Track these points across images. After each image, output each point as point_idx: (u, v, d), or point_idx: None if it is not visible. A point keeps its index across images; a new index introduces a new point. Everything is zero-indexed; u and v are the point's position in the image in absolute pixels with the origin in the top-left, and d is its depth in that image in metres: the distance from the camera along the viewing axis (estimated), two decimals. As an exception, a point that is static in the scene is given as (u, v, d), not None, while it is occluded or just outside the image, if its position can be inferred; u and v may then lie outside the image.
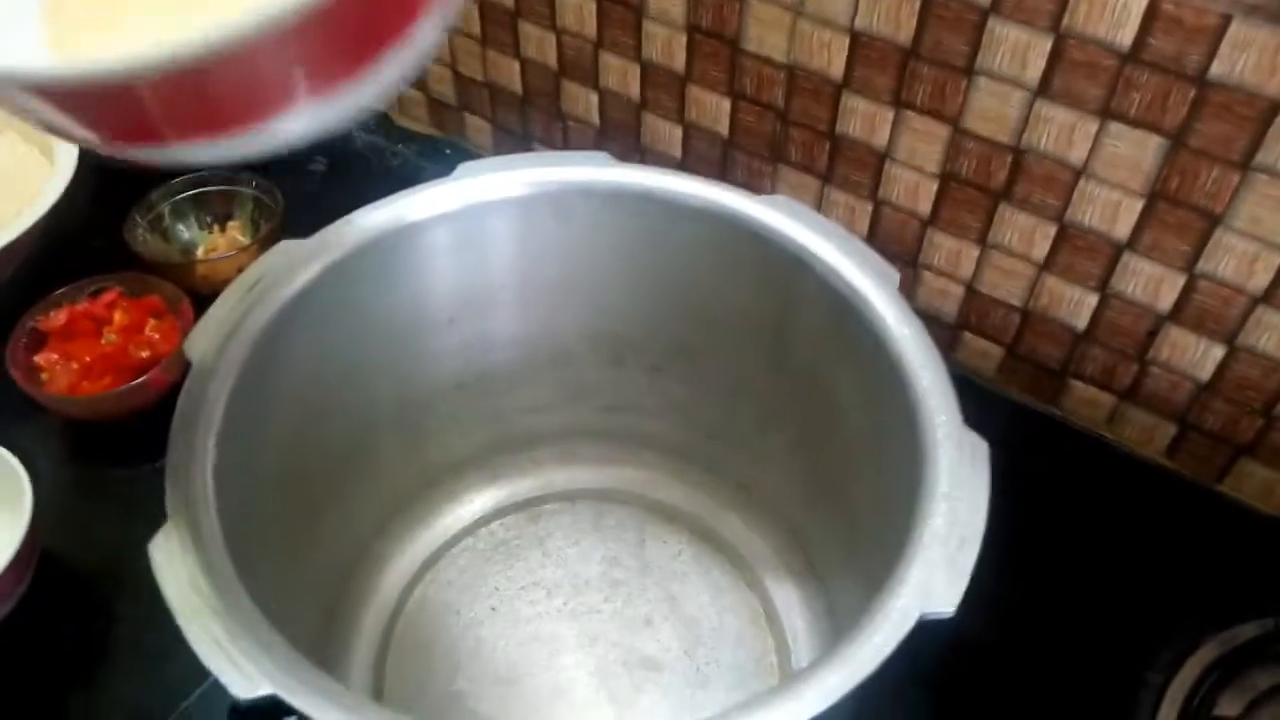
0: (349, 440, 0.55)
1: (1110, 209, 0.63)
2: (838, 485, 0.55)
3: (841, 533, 0.56)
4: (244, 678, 0.36)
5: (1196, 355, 0.66)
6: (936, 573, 0.39)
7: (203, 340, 0.46)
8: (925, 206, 0.70)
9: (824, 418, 0.54)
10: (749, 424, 0.61)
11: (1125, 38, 0.56)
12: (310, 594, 0.54)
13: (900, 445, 0.45)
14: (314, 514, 0.53)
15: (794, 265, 0.51)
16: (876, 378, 0.47)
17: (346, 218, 0.50)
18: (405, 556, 0.62)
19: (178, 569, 0.38)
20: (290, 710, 0.42)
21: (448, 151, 0.94)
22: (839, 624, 0.56)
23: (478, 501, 0.66)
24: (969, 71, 0.62)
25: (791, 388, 0.56)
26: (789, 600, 0.61)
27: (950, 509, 0.40)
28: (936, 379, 0.45)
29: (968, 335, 0.75)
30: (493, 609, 0.62)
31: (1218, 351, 0.65)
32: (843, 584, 0.56)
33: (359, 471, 0.57)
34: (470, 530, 0.65)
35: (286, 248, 0.49)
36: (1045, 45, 0.59)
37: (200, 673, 0.57)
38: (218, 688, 0.56)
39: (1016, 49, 0.60)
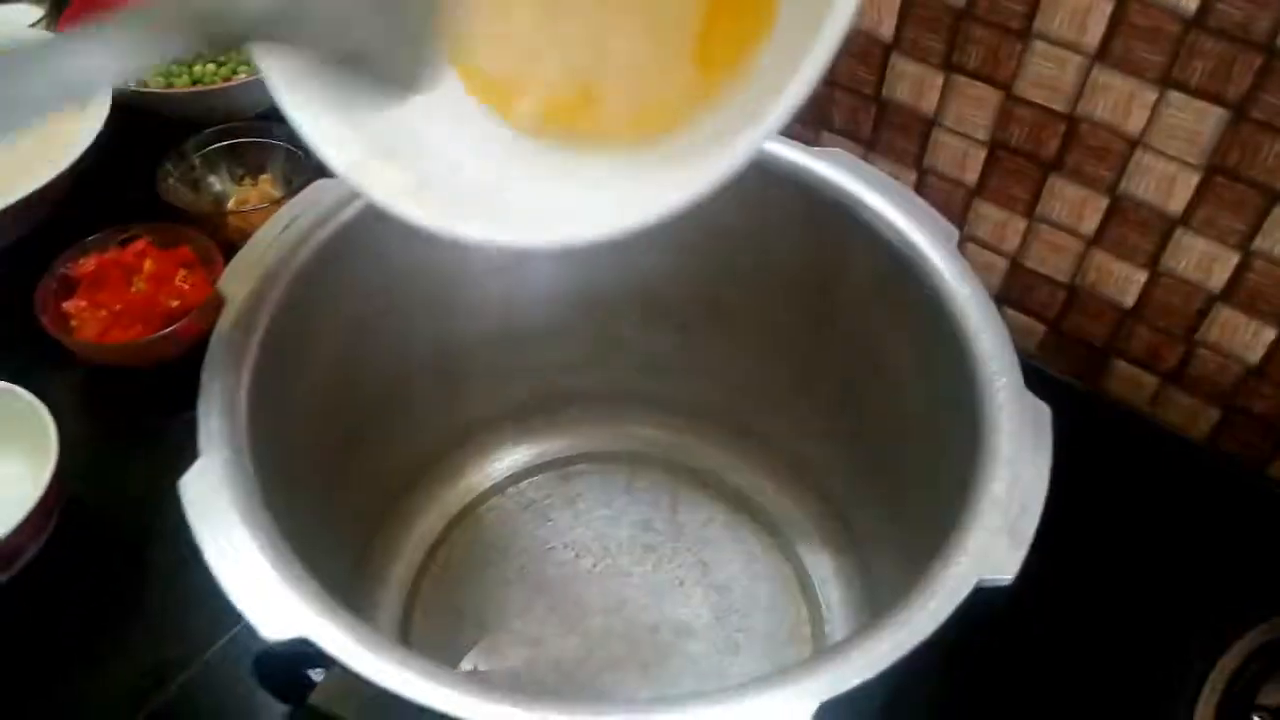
0: (384, 386, 0.54)
1: (1165, 182, 0.61)
2: (883, 451, 0.54)
3: (884, 501, 0.55)
4: (274, 619, 0.35)
5: (1247, 337, 0.64)
6: (997, 539, 0.37)
7: (237, 278, 0.45)
8: (972, 176, 0.69)
9: (870, 381, 0.53)
10: (788, 387, 0.60)
11: (1190, 2, 0.55)
12: (339, 544, 0.53)
13: (957, 410, 0.43)
14: (346, 460, 0.52)
15: (845, 220, 0.50)
16: (932, 338, 0.46)
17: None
18: (434, 511, 0.61)
19: (209, 505, 0.37)
20: (314, 659, 0.42)
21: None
22: (875, 595, 0.55)
23: (508, 459, 0.65)
24: (1025, 35, 0.61)
25: (835, 349, 0.54)
26: (824, 570, 0.59)
27: (1012, 474, 0.39)
28: (997, 340, 0.43)
29: (1010, 311, 0.73)
30: (521, 568, 0.61)
31: (1269, 333, 0.63)
32: (882, 555, 0.55)
33: (392, 419, 0.56)
34: (500, 488, 0.64)
35: (323, 186, 0.48)
36: (1107, 8, 0.57)
37: (224, 623, 0.58)
38: (242, 636, 0.56)
39: (1076, 11, 0.58)
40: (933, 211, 0.49)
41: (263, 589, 0.35)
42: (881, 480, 0.55)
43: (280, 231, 0.46)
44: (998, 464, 0.39)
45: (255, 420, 0.41)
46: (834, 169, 0.51)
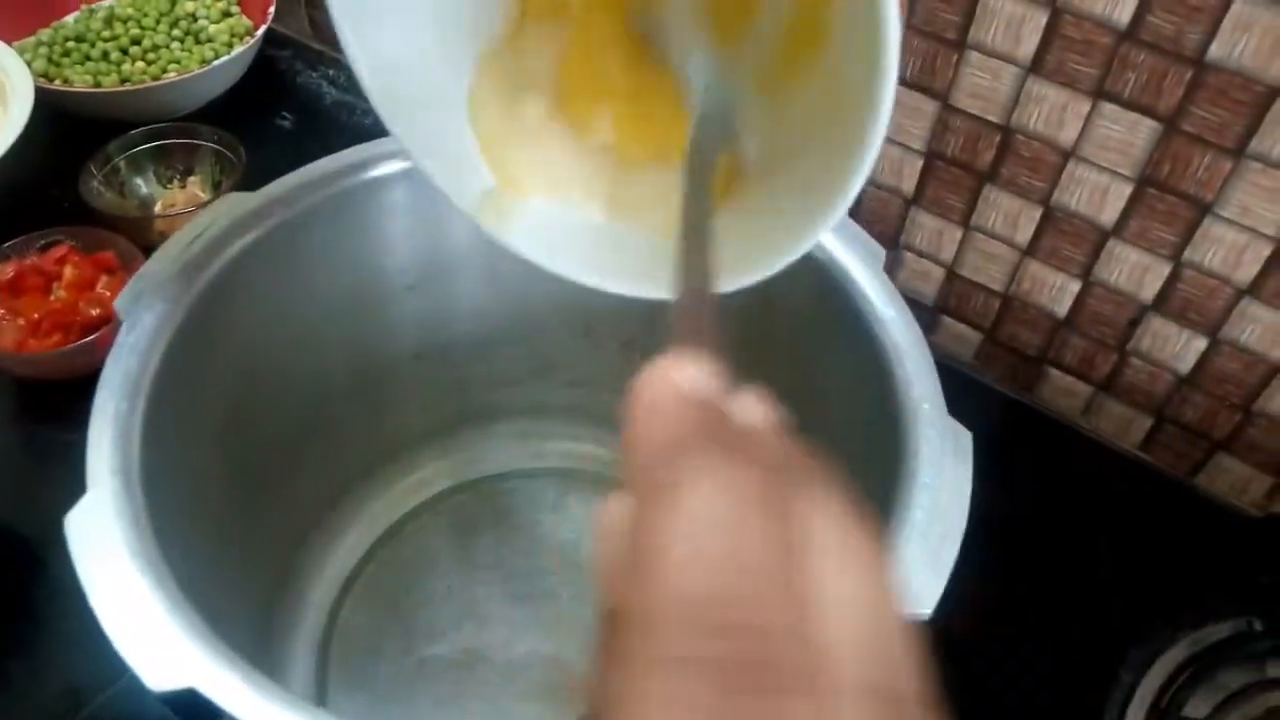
0: (300, 410, 0.53)
1: (1098, 193, 0.61)
2: None
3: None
4: (162, 667, 0.33)
5: (1178, 347, 0.64)
6: (916, 570, 0.37)
7: (135, 297, 0.43)
8: (910, 185, 0.68)
9: (807, 400, 0.52)
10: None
11: (1124, 15, 0.54)
12: (253, 571, 0.51)
13: (883, 431, 0.43)
14: (260, 487, 0.51)
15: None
16: (860, 359, 0.45)
17: (300, 170, 0.47)
18: (357, 533, 0.59)
19: (96, 543, 0.35)
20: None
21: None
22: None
23: (435, 477, 0.64)
24: (960, 44, 0.60)
25: (774, 367, 0.53)
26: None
27: (931, 501, 0.38)
28: (921, 364, 0.43)
29: (946, 319, 0.73)
30: (448, 588, 0.59)
31: (1199, 343, 0.63)
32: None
33: (311, 443, 0.54)
34: (428, 506, 0.63)
35: (234, 199, 0.46)
36: (1041, 19, 0.57)
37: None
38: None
39: (1011, 22, 0.58)
40: (861, 232, 0.48)
41: (150, 635, 0.34)
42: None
43: (186, 245, 0.44)
44: (917, 490, 0.39)
45: (151, 449, 0.39)
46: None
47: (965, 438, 0.41)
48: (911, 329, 0.44)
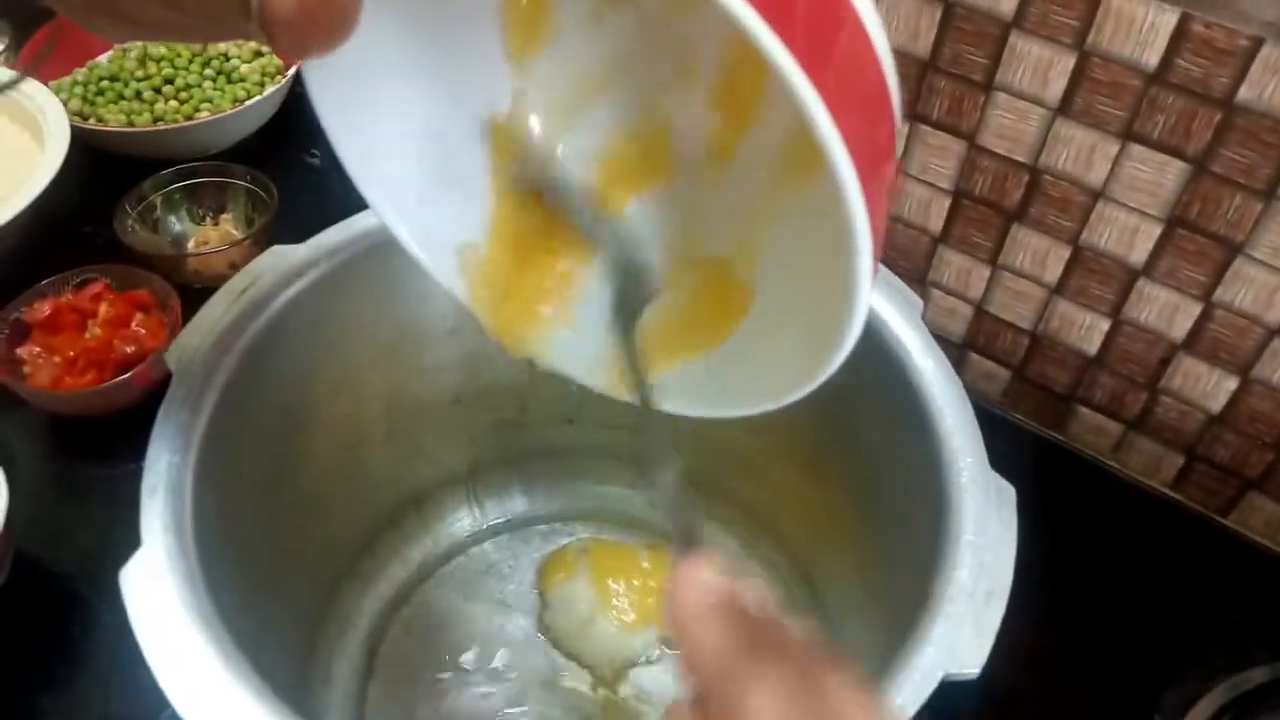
0: (336, 454, 0.53)
1: (1127, 233, 0.61)
2: (853, 522, 0.53)
3: (853, 568, 0.54)
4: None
5: (1209, 386, 0.64)
6: (962, 629, 0.37)
7: (185, 351, 0.44)
8: (937, 224, 0.68)
9: (841, 451, 0.52)
10: (761, 452, 0.59)
11: (1151, 58, 0.55)
12: (291, 615, 0.51)
13: (921, 484, 0.42)
14: (297, 531, 0.51)
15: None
16: (897, 411, 0.45)
17: (343, 223, 0.48)
18: (391, 577, 0.59)
19: (150, 600, 0.36)
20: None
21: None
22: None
23: (469, 520, 0.64)
24: (988, 87, 0.61)
25: (808, 419, 0.54)
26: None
27: (976, 560, 0.38)
28: (961, 417, 0.43)
29: (975, 356, 0.73)
30: (484, 630, 0.59)
31: (1230, 383, 0.63)
32: (853, 621, 0.54)
33: (346, 487, 0.55)
34: (461, 548, 0.63)
35: (278, 253, 0.47)
36: (1068, 63, 0.57)
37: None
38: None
39: (1039, 65, 0.58)
40: (900, 283, 0.48)
41: (207, 693, 0.34)
42: (850, 547, 0.54)
43: (233, 300, 0.45)
44: (961, 548, 0.39)
45: (201, 500, 0.39)
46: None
47: (1009, 492, 0.41)
48: (952, 381, 0.44)
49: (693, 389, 0.36)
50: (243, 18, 0.26)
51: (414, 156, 0.37)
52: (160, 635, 0.35)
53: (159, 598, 0.36)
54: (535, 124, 0.39)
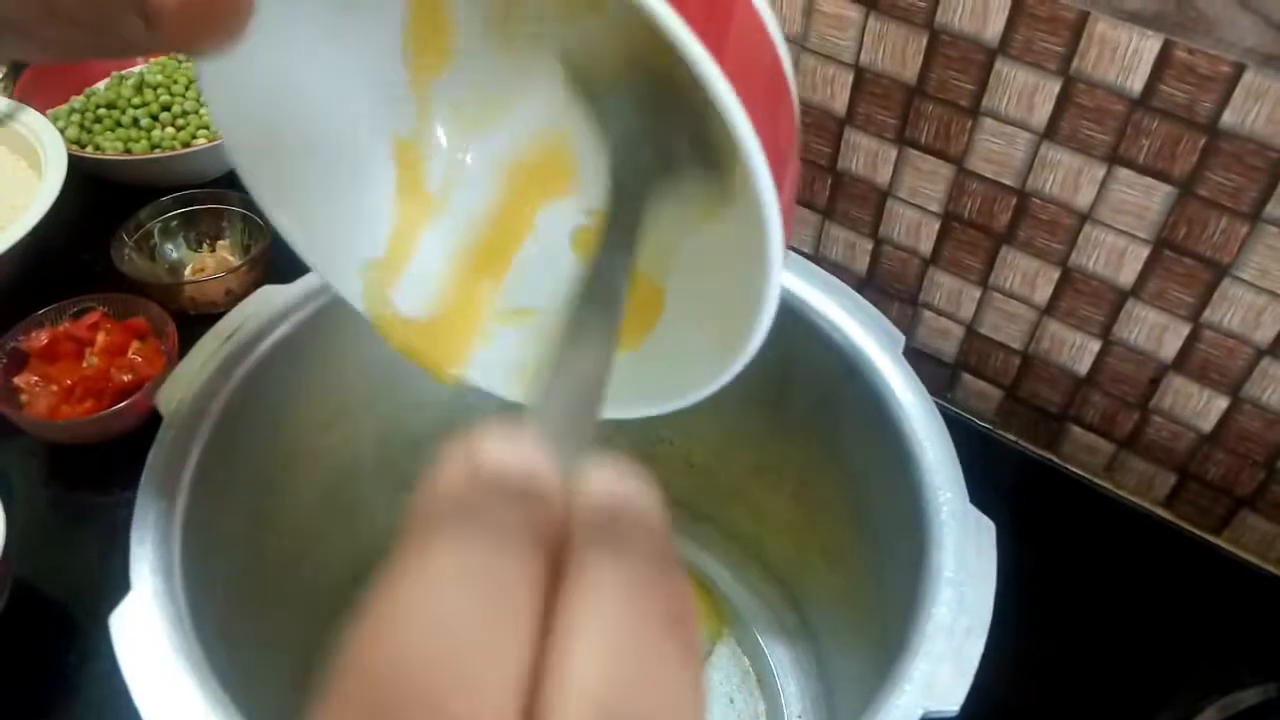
0: (326, 490, 0.53)
1: (1115, 255, 0.62)
2: (837, 546, 0.53)
3: (838, 592, 0.54)
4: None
5: (1199, 405, 0.65)
6: (941, 667, 0.37)
7: (176, 394, 0.44)
8: (927, 246, 0.69)
9: (825, 477, 0.52)
10: (747, 476, 0.59)
11: (1136, 84, 0.55)
12: (279, 649, 0.51)
13: (903, 517, 0.43)
14: (286, 567, 0.51)
15: (795, 321, 0.49)
16: (879, 444, 0.45)
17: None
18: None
19: (139, 645, 0.36)
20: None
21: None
22: (832, 686, 0.54)
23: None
24: (974, 112, 0.61)
25: (792, 444, 0.54)
26: (781, 660, 0.58)
27: (956, 596, 0.38)
28: (942, 452, 0.43)
29: (966, 376, 0.74)
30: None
31: (1221, 402, 0.64)
32: (838, 643, 0.54)
33: (335, 521, 0.55)
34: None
35: (268, 294, 0.47)
36: (1053, 88, 0.58)
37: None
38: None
39: (1024, 91, 0.59)
40: (881, 317, 0.48)
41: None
42: (837, 573, 0.54)
43: (222, 342, 0.45)
44: (941, 584, 0.39)
45: (189, 542, 0.40)
46: (785, 272, 0.50)
47: (988, 529, 0.41)
48: (932, 416, 0.45)
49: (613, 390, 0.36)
50: (136, 15, 0.25)
51: (319, 175, 0.37)
52: (149, 680, 0.35)
53: (148, 642, 0.36)
54: (441, 137, 0.39)
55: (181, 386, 0.44)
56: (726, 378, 0.32)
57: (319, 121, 0.36)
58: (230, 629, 0.40)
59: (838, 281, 0.50)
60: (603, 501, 0.20)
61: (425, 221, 0.39)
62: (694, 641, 0.19)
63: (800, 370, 0.51)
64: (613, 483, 0.21)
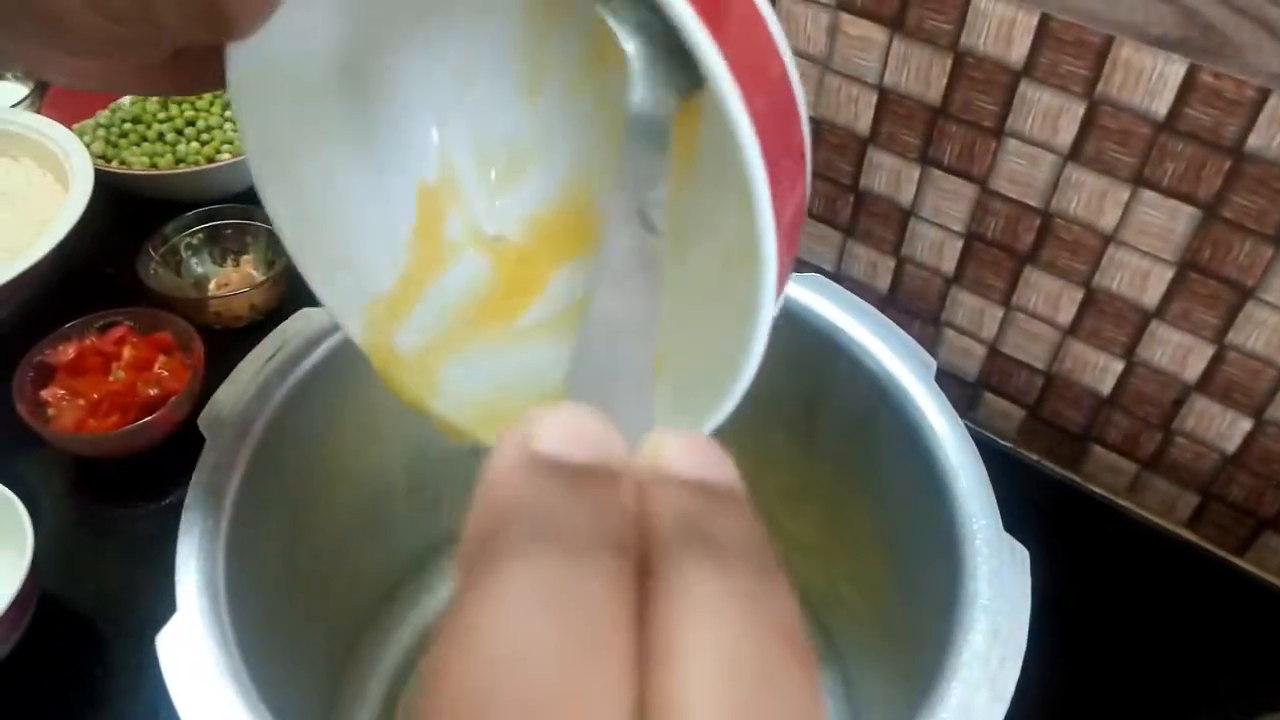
0: (358, 508, 0.53)
1: (1139, 276, 0.62)
2: (868, 571, 0.53)
3: (867, 617, 0.54)
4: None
5: (1223, 426, 0.65)
6: (977, 694, 0.37)
7: (217, 415, 0.44)
8: (949, 265, 0.69)
9: (856, 502, 0.52)
10: (777, 500, 0.59)
11: (1160, 107, 0.55)
12: (314, 666, 0.52)
13: (935, 545, 0.43)
14: (319, 584, 0.51)
15: (826, 347, 0.49)
16: (912, 471, 0.45)
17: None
18: (413, 625, 0.60)
19: (186, 665, 0.36)
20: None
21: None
22: (859, 711, 0.54)
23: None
24: (999, 133, 0.61)
25: (823, 469, 0.54)
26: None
27: (991, 624, 0.38)
28: (975, 479, 0.43)
29: (989, 395, 0.74)
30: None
31: (1245, 424, 0.64)
32: (865, 668, 0.54)
33: (369, 538, 0.55)
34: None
35: (305, 315, 0.48)
36: (1078, 111, 0.58)
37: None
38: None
39: (1048, 113, 0.59)
40: (913, 343, 0.48)
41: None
42: (865, 599, 0.54)
43: (264, 363, 0.46)
44: (976, 611, 0.39)
45: (232, 562, 0.40)
46: (815, 295, 0.50)
47: (1023, 555, 0.41)
48: (965, 442, 0.44)
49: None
50: None
51: (343, 210, 0.37)
52: (197, 701, 0.35)
53: (195, 664, 0.36)
54: (468, 186, 0.39)
55: (224, 409, 0.44)
56: (730, 403, 0.32)
57: (348, 157, 0.37)
58: (267, 644, 0.40)
59: (866, 305, 0.50)
60: (684, 482, 0.18)
61: (438, 269, 0.39)
62: (809, 649, 0.17)
63: (830, 396, 0.51)
64: (691, 454, 0.18)
